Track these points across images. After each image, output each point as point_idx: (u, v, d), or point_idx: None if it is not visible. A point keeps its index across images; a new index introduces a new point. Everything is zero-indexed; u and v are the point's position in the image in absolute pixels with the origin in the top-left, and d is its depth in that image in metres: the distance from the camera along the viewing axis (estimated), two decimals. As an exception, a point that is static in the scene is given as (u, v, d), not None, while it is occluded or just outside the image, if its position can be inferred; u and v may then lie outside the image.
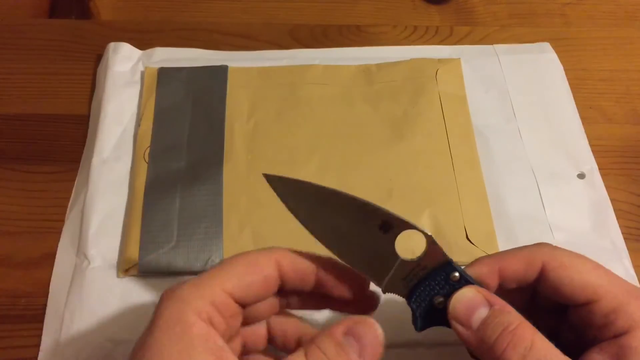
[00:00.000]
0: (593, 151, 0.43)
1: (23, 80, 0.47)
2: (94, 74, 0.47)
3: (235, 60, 0.46)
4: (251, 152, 0.41)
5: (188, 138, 0.42)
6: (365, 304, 0.28)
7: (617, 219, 0.40)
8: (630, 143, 0.45)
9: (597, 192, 0.41)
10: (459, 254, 0.37)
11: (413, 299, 0.27)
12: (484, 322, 0.25)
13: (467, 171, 0.41)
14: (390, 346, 0.34)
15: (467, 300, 0.25)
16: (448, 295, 0.26)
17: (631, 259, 0.39)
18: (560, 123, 0.44)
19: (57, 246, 0.38)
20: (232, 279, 0.24)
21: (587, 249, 0.39)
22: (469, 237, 0.38)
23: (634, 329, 0.24)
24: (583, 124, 0.45)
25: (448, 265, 0.26)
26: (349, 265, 0.27)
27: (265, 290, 0.25)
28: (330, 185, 0.40)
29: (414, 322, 0.27)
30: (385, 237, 0.26)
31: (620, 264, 0.38)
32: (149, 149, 0.41)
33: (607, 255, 0.38)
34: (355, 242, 0.26)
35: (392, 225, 0.26)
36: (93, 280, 0.36)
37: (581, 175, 0.42)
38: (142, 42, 0.47)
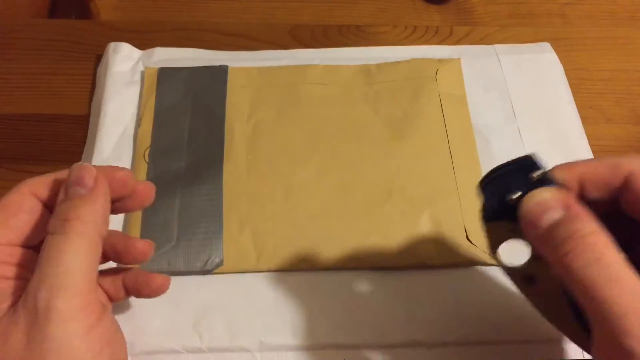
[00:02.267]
0: (593, 151, 0.43)
1: (23, 80, 0.47)
2: (94, 74, 0.47)
3: (235, 60, 0.46)
4: (251, 152, 0.41)
5: (188, 138, 0.42)
6: (140, 196, 0.29)
7: (617, 219, 0.40)
8: (630, 143, 0.45)
9: (597, 192, 0.41)
10: (459, 254, 0.37)
11: (488, 186, 0.26)
12: (554, 224, 0.23)
13: (467, 171, 0.41)
14: (390, 346, 0.35)
15: (541, 200, 0.24)
16: (525, 193, 0.25)
17: (631, 259, 0.39)
18: (560, 123, 0.44)
19: (57, 246, 0.38)
20: None
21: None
22: (468, 237, 0.38)
23: None
24: (583, 124, 0.45)
25: (531, 160, 0.25)
26: None
27: (34, 221, 0.27)
28: (331, 185, 0.40)
29: (484, 209, 0.26)
30: None
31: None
32: (149, 149, 0.41)
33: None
34: None
35: None
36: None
37: (581, 175, 0.42)
38: (142, 42, 0.47)
